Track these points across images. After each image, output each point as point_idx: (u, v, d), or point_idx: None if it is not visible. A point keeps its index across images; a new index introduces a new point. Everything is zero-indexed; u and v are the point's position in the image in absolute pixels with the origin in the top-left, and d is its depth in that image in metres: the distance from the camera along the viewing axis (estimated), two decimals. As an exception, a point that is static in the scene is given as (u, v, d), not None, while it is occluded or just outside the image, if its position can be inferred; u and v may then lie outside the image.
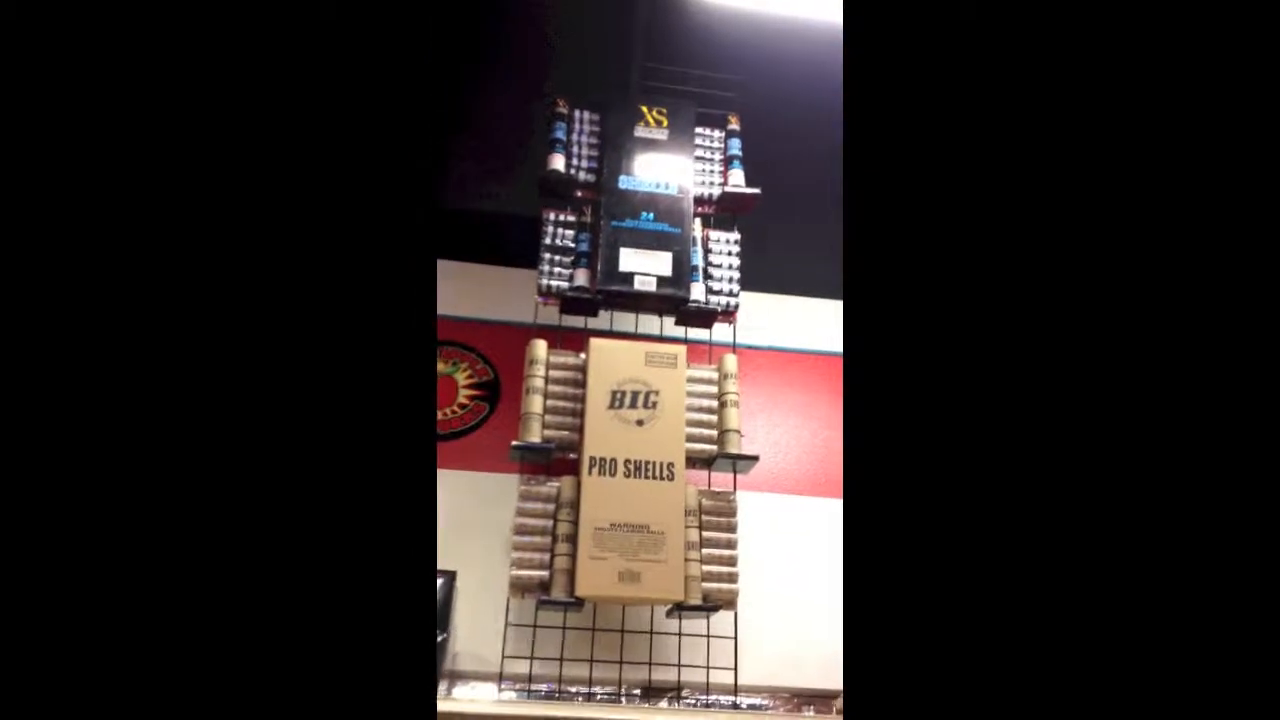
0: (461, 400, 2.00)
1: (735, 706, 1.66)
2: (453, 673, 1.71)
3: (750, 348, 2.09)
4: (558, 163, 1.84)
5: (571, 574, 1.55)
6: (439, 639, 1.65)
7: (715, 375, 1.78)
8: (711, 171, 1.93)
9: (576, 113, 1.91)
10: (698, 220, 1.89)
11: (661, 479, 1.62)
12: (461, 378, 2.03)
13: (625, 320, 1.91)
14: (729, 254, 1.87)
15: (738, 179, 1.91)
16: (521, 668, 1.62)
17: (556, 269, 1.79)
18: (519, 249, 1.92)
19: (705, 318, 1.83)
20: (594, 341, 1.74)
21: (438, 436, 1.93)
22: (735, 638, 1.66)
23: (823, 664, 1.81)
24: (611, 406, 1.67)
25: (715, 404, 1.75)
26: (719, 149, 1.95)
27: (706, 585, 1.61)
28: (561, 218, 1.84)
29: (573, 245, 1.81)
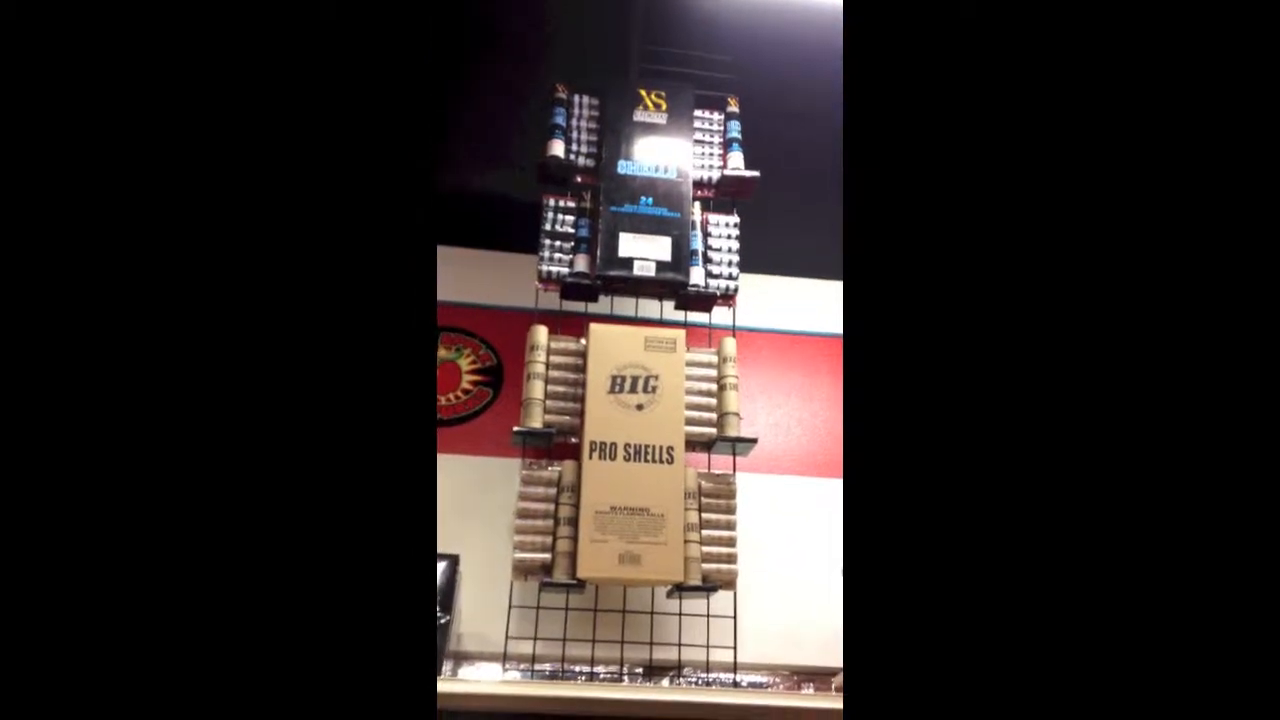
0: (465, 385, 2.02)
1: (735, 684, 1.69)
2: (457, 654, 1.74)
3: (750, 330, 2.10)
4: (557, 149, 1.85)
5: (573, 556, 1.58)
6: (444, 621, 1.68)
7: (714, 359, 1.79)
8: (711, 155, 1.93)
9: (576, 98, 1.92)
10: (697, 204, 1.89)
11: (661, 462, 1.64)
12: (465, 363, 2.05)
13: (625, 305, 1.92)
14: (728, 237, 1.88)
15: (737, 162, 1.90)
16: (525, 648, 1.65)
17: (556, 255, 1.80)
18: (520, 234, 1.93)
19: (705, 302, 1.84)
20: (594, 327, 1.75)
21: (442, 422, 1.95)
22: (735, 617, 1.69)
23: (821, 642, 1.83)
24: (611, 391, 1.69)
25: (715, 387, 1.77)
26: (718, 131, 1.95)
27: (706, 566, 1.63)
28: (561, 203, 1.85)
29: (572, 231, 1.82)
